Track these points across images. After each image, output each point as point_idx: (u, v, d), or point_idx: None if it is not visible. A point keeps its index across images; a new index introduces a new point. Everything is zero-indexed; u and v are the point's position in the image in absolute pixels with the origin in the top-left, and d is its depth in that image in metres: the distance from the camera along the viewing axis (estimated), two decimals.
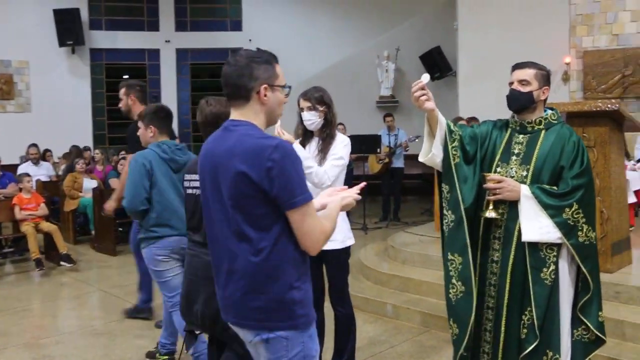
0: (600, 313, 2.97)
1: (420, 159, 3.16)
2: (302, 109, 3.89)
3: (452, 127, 3.11)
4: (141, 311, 5.45)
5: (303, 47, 15.41)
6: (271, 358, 2.22)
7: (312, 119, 3.82)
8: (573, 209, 2.85)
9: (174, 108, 15.57)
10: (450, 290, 3.08)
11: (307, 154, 3.74)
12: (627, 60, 9.39)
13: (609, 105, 4.68)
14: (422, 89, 2.95)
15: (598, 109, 4.69)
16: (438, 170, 3.19)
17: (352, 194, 2.42)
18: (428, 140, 3.13)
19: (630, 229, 5.43)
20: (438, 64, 13.65)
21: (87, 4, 14.86)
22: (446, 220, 3.11)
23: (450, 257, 3.08)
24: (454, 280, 3.06)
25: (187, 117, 15.98)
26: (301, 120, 3.91)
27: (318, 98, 3.83)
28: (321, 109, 3.81)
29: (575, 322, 3.00)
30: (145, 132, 4.14)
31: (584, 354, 3.01)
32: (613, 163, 4.81)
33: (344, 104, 12.81)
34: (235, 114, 2.24)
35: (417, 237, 6.78)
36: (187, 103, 15.98)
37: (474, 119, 8.17)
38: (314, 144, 3.89)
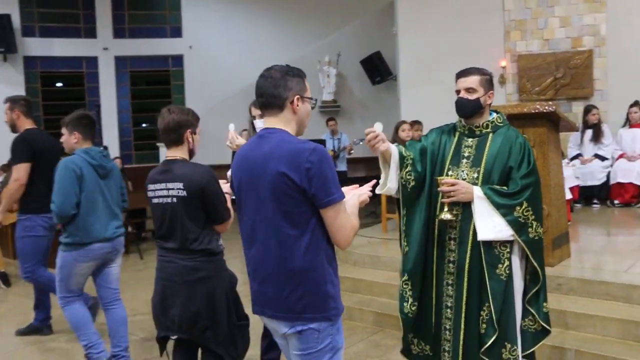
0: (545, 304, 3.16)
1: (378, 191, 3.25)
2: (254, 117, 3.95)
3: (403, 153, 3.24)
4: (38, 329, 5.41)
5: (244, 53, 15.44)
6: (302, 348, 2.38)
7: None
8: (523, 207, 3.01)
9: (113, 116, 15.34)
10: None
11: None
12: (558, 64, 9.84)
13: (546, 107, 4.93)
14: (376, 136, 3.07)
15: (537, 111, 4.93)
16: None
17: (366, 190, 2.62)
18: (384, 170, 3.26)
19: (568, 223, 5.72)
20: (378, 69, 13.91)
21: (19, 10, 14.46)
22: (404, 244, 3.27)
23: (402, 282, 3.25)
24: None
25: (128, 125, 15.75)
26: (253, 128, 3.97)
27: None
28: None
29: (523, 313, 3.17)
30: (69, 139, 4.23)
31: (532, 344, 3.18)
32: (551, 162, 5.06)
33: None
34: (268, 122, 2.44)
35: (366, 239, 6.92)
36: (128, 112, 15.73)
37: (417, 122, 8.42)
38: None
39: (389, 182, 3.23)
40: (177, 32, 15.88)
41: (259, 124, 3.90)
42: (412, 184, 3.22)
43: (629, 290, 4.49)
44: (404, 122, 7.65)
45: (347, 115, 13.86)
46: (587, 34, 9.72)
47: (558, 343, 4.15)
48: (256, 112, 3.94)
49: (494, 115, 3.22)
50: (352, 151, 10.64)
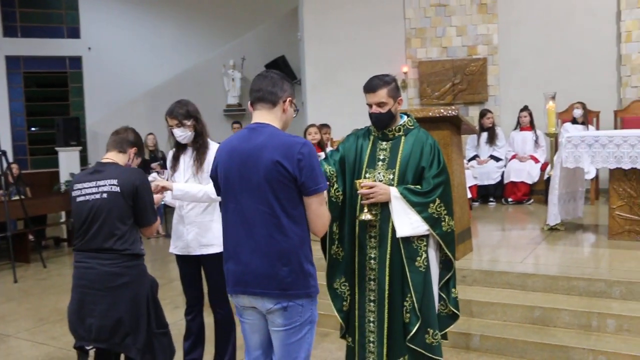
0: (454, 290, 3.42)
1: None
2: (170, 127, 3.97)
3: (327, 172, 3.39)
4: None
5: (147, 56, 15.15)
6: (285, 323, 2.65)
7: (182, 134, 3.93)
8: (436, 204, 3.25)
9: (5, 120, 14.55)
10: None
11: (190, 185, 3.87)
12: (456, 70, 10.39)
13: (449, 112, 5.26)
14: None
15: (440, 114, 5.26)
16: None
17: None
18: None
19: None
20: (283, 73, 14.08)
21: None
22: (334, 251, 3.43)
23: (340, 284, 3.43)
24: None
25: (22, 129, 14.99)
26: (173, 135, 3.99)
27: (183, 113, 3.92)
28: (188, 123, 3.92)
29: (438, 299, 3.42)
30: None
31: (444, 327, 3.44)
32: (454, 162, 5.40)
33: None
34: (258, 117, 2.71)
35: None
36: (22, 115, 14.96)
37: (325, 125, 8.63)
38: (188, 156, 4.00)
39: None
40: (74, 33, 15.31)
41: (177, 132, 3.94)
42: (341, 197, 3.40)
43: (524, 278, 4.90)
44: (312, 125, 7.83)
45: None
46: (481, 43, 10.34)
47: (464, 329, 4.46)
48: (172, 122, 3.96)
49: (405, 118, 3.43)
50: None
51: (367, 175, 3.35)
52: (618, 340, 4.16)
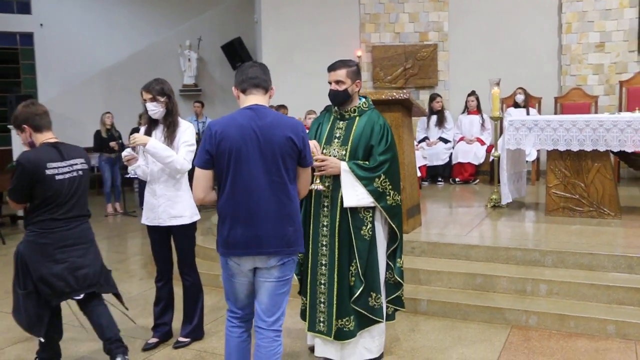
0: (399, 260, 3.83)
1: None
2: (145, 100, 4.22)
3: None
4: None
5: (101, 34, 14.99)
6: (279, 276, 3.09)
7: (155, 109, 4.19)
8: (381, 179, 3.64)
9: None
10: None
11: (163, 146, 4.13)
12: (408, 55, 10.79)
13: (401, 95, 5.65)
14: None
15: (393, 97, 5.64)
16: None
17: None
18: None
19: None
20: (239, 54, 14.22)
21: None
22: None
23: None
24: None
25: None
26: (146, 110, 4.25)
27: (158, 90, 4.20)
28: (162, 99, 4.19)
29: (387, 268, 3.81)
30: None
31: (393, 292, 3.85)
32: (405, 143, 5.78)
33: None
34: (254, 100, 3.09)
35: None
36: None
37: (282, 106, 8.92)
38: (159, 132, 4.26)
39: None
40: (25, 8, 15.01)
41: (150, 106, 4.19)
42: None
43: (467, 249, 5.34)
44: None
45: (209, 99, 14.02)
46: (433, 29, 10.76)
47: (413, 295, 4.86)
48: (146, 96, 4.20)
49: (362, 100, 3.81)
50: None
51: (324, 151, 3.73)
52: (548, 302, 4.64)
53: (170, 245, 4.45)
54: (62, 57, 14.66)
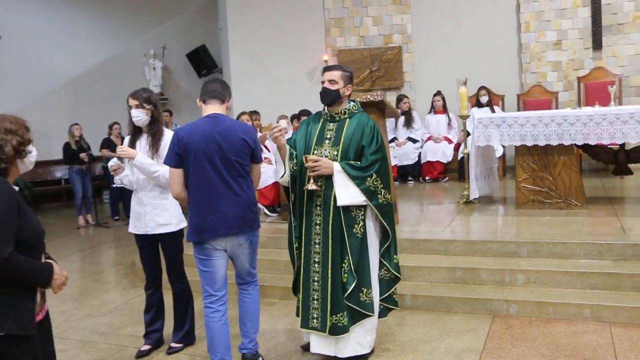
0: (395, 256, 3.98)
1: (281, 182, 4.02)
2: (130, 107, 4.29)
3: (290, 149, 3.94)
4: None
5: (62, 45, 14.83)
6: (250, 252, 3.92)
7: (140, 116, 4.26)
8: (373, 178, 3.78)
9: None
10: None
11: (150, 161, 4.20)
12: (373, 58, 10.99)
13: (375, 97, 5.83)
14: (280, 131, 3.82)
15: (367, 99, 5.81)
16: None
17: None
18: (280, 166, 3.96)
19: None
20: (205, 62, 14.25)
21: None
22: (291, 220, 4.02)
23: (295, 248, 4.02)
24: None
25: None
26: (131, 118, 4.31)
27: (145, 98, 4.28)
28: (148, 107, 4.27)
29: (380, 265, 3.96)
30: None
31: (387, 289, 4.01)
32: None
33: (112, 103, 12.71)
34: (212, 109, 3.79)
35: None
36: None
37: (255, 112, 9.00)
38: (143, 140, 4.33)
39: (286, 172, 3.92)
40: None
41: (135, 113, 4.25)
42: (295, 171, 3.93)
43: (446, 245, 5.54)
44: (243, 113, 8.20)
45: (175, 108, 13.95)
46: (396, 32, 10.99)
47: (398, 291, 4.97)
48: (132, 102, 4.26)
49: (351, 103, 3.95)
50: None
51: (315, 152, 3.86)
52: (527, 291, 4.86)
53: (159, 252, 4.51)
54: (23, 68, 14.44)
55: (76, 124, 10.57)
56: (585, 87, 9.74)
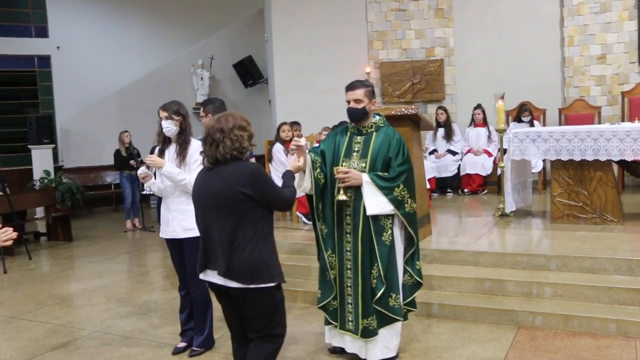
0: (418, 262, 4.13)
1: (300, 192, 4.06)
2: (161, 119, 4.53)
3: (313, 158, 4.10)
4: None
5: (115, 56, 15.48)
6: None
7: (169, 127, 4.49)
8: (400, 188, 3.94)
9: None
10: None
11: (177, 170, 4.42)
12: (415, 71, 11.13)
13: (409, 110, 5.97)
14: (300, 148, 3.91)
15: (402, 113, 5.95)
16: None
17: None
18: (300, 177, 4.04)
19: (428, 208, 6.80)
20: (251, 72, 14.64)
21: None
22: (319, 227, 4.15)
23: (328, 256, 4.13)
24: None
25: None
26: (162, 129, 4.55)
27: (175, 110, 4.50)
28: (177, 118, 4.49)
29: (403, 271, 4.11)
30: None
31: (410, 294, 4.16)
32: (415, 155, 6.06)
33: None
34: None
35: None
36: None
37: (296, 123, 9.25)
38: (172, 149, 4.56)
39: (305, 183, 4.06)
40: (42, 32, 15.52)
41: (165, 124, 4.49)
42: (322, 181, 4.11)
43: (476, 256, 5.63)
44: (284, 123, 8.43)
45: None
46: (439, 45, 11.10)
47: (425, 300, 5.14)
48: (163, 114, 4.50)
49: (377, 117, 4.13)
50: None
51: (344, 164, 4.05)
52: (553, 303, 4.91)
53: (184, 259, 4.67)
54: (77, 78, 15.15)
55: (126, 131, 11.01)
56: (630, 101, 9.64)
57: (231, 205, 3.14)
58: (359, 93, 4.03)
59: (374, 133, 4.10)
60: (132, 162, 10.56)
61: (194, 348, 4.68)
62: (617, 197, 6.53)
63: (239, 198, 3.12)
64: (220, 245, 3.18)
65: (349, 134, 4.19)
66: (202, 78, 14.77)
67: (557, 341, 4.46)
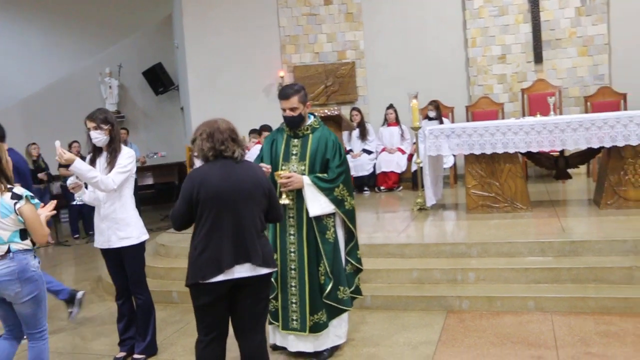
0: (358, 252, 4.35)
1: None
2: (89, 129, 4.47)
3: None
4: None
5: (16, 65, 14.83)
6: None
7: (99, 137, 4.43)
8: (340, 188, 4.13)
9: None
10: None
11: (88, 167, 4.31)
12: (328, 74, 11.39)
13: (332, 111, 6.18)
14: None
15: (325, 114, 6.15)
16: None
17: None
18: None
19: None
20: (161, 79, 14.42)
21: None
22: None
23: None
24: None
25: None
26: (90, 139, 4.49)
27: (102, 118, 4.43)
28: (105, 127, 4.43)
29: (345, 262, 4.30)
30: None
31: (354, 280, 4.39)
32: None
33: (69, 122, 12.67)
34: None
35: (180, 235, 7.58)
36: None
37: None
38: (103, 158, 4.51)
39: None
40: None
41: (94, 134, 4.43)
42: None
43: (402, 248, 5.90)
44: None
45: (132, 125, 14.08)
46: (350, 48, 11.42)
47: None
48: (90, 124, 4.42)
49: (312, 118, 4.27)
50: (145, 163, 11.27)
51: (283, 167, 4.18)
52: (477, 287, 5.25)
53: (124, 265, 4.61)
54: None
55: (34, 143, 10.61)
56: (529, 98, 10.31)
57: (259, 196, 3.37)
58: (294, 101, 4.13)
59: (310, 135, 4.23)
60: (40, 175, 10.19)
61: (135, 356, 4.63)
62: (525, 187, 7.02)
63: (264, 193, 3.39)
64: (249, 235, 3.30)
65: (285, 137, 4.30)
66: (110, 86, 14.38)
67: (484, 321, 4.78)
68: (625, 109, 9.53)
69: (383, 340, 4.58)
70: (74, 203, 5.02)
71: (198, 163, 3.65)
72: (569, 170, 7.54)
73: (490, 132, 6.81)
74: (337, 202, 4.12)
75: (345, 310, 4.24)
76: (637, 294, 4.78)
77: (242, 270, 3.28)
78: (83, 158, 4.48)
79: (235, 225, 3.28)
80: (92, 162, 4.51)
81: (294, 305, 4.22)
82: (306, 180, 4.09)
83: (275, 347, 4.49)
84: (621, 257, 5.20)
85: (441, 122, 9.81)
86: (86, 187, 4.51)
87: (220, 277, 3.24)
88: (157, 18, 14.83)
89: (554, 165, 7.48)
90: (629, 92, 9.70)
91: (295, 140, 4.26)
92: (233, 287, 3.30)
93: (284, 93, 4.17)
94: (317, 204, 4.08)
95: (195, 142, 3.37)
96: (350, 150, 10.56)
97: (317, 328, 4.17)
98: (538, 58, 10.53)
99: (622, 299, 4.75)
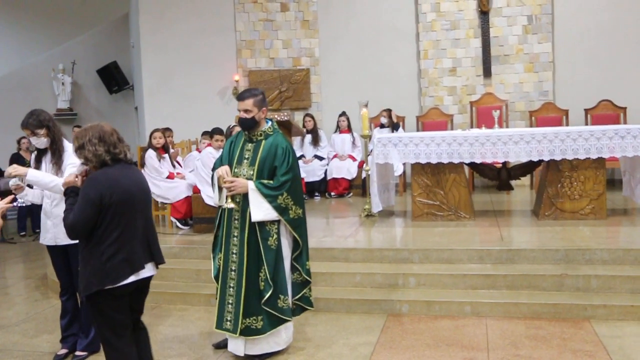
0: (307, 263, 4.44)
1: (221, 204, 4.34)
2: (27, 135, 4.48)
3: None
4: None
5: None
6: None
7: (38, 141, 4.45)
8: (284, 196, 4.22)
9: None
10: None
11: (44, 174, 4.34)
12: (282, 79, 11.50)
13: (282, 117, 6.30)
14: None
15: (275, 119, 6.25)
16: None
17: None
18: (218, 192, 4.31)
19: None
20: (116, 78, 14.23)
21: None
22: (217, 233, 4.44)
23: (218, 259, 4.39)
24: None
25: None
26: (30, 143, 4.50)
27: (35, 124, 4.40)
28: (41, 132, 4.41)
29: (293, 270, 4.37)
30: None
31: (299, 291, 4.44)
32: None
33: (19, 117, 12.40)
34: None
35: None
36: None
37: (168, 129, 9.26)
38: (48, 158, 4.51)
39: (215, 197, 4.41)
40: None
41: (34, 141, 4.46)
42: None
43: (346, 252, 6.06)
44: (156, 130, 8.41)
45: (84, 123, 13.53)
46: (305, 55, 11.56)
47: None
48: (26, 132, 4.43)
49: (268, 124, 4.37)
50: None
51: (236, 170, 4.28)
52: (417, 292, 5.44)
53: (69, 261, 4.62)
54: None
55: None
56: (477, 110, 10.63)
57: (150, 196, 3.55)
58: (248, 103, 4.24)
59: (263, 141, 4.33)
60: None
61: (76, 353, 4.64)
62: (469, 196, 7.26)
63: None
64: (154, 235, 3.51)
65: (242, 140, 4.40)
66: (63, 83, 14.13)
67: (422, 324, 4.96)
68: (567, 124, 9.94)
69: (324, 341, 4.71)
70: (15, 204, 4.98)
71: (74, 170, 3.67)
72: (512, 182, 7.83)
73: (437, 142, 7.03)
74: (281, 209, 4.20)
75: (286, 321, 4.31)
76: (566, 300, 5.05)
77: (148, 270, 3.43)
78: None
79: (144, 226, 3.41)
80: (38, 162, 4.52)
81: (229, 305, 4.30)
82: (251, 185, 4.18)
83: (218, 346, 4.58)
84: (553, 265, 5.47)
85: (395, 131, 10.02)
86: (29, 187, 4.50)
87: (131, 278, 3.31)
88: (114, 16, 14.67)
89: (497, 176, 7.75)
90: (570, 108, 10.11)
91: (250, 144, 4.36)
92: (136, 287, 3.40)
93: (241, 95, 4.31)
94: (260, 209, 4.17)
95: (85, 149, 3.29)
96: (303, 156, 10.68)
97: (249, 332, 4.24)
98: (487, 72, 10.87)
99: (551, 305, 5.00)
